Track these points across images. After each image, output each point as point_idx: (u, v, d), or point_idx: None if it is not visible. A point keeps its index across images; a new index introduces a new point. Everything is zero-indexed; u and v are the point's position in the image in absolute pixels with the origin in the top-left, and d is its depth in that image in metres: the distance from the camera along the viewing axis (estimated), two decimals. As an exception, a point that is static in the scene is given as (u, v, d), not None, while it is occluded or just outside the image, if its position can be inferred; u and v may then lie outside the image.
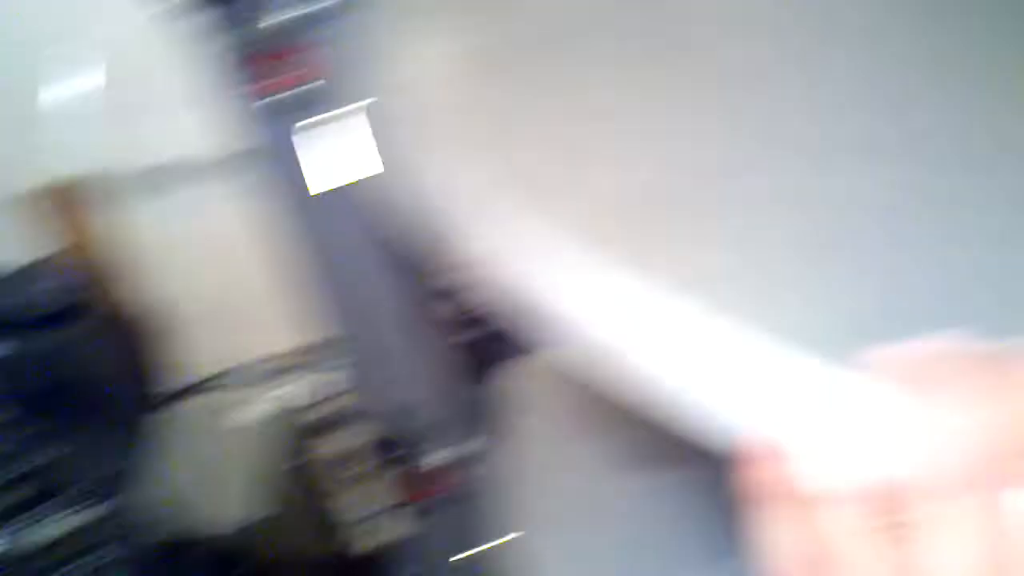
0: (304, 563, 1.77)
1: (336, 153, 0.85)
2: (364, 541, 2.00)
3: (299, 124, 0.85)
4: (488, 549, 1.00)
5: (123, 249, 1.67)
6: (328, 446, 1.88)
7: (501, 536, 0.99)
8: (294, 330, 1.74)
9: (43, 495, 1.00)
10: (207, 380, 1.77)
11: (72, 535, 0.95)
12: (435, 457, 0.98)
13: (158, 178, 1.63)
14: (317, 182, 0.85)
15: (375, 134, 0.78)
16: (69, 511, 0.96)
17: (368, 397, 0.99)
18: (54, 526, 0.96)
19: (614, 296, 0.37)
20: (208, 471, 1.51)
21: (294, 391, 1.72)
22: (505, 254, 0.43)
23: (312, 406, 1.75)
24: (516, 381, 1.03)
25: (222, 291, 1.72)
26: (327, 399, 1.75)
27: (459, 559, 1.05)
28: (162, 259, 1.69)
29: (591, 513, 0.84)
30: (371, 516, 1.93)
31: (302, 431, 1.80)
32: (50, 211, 1.56)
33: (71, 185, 1.47)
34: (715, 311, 0.34)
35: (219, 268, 1.70)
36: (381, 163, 0.82)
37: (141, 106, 1.59)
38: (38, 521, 0.96)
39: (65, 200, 1.49)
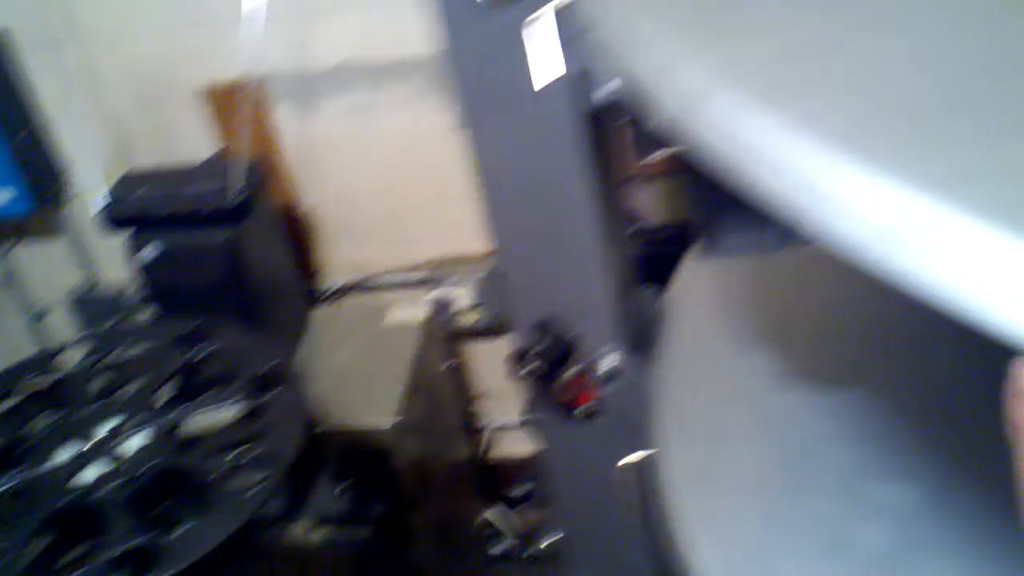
0: (446, 465, 1.83)
1: (553, 46, 0.84)
2: (505, 448, 2.05)
3: (527, 18, 0.84)
4: (634, 462, 1.02)
5: (297, 147, 1.72)
6: (478, 352, 1.93)
7: (648, 449, 1.00)
8: (459, 236, 1.78)
9: (210, 383, 1.05)
10: (368, 280, 1.82)
11: (235, 424, 1.01)
12: (586, 367, 0.99)
13: (339, 77, 1.66)
14: (540, 75, 0.84)
15: (586, 27, 0.77)
16: (232, 400, 1.01)
17: (525, 305, 1.00)
18: (218, 414, 1.02)
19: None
20: (363, 369, 1.56)
21: (451, 296, 1.75)
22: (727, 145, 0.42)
23: (467, 311, 1.78)
24: (678, 293, 1.02)
25: (392, 193, 1.75)
26: (481, 306, 1.79)
27: (602, 471, 1.06)
28: (336, 158, 1.73)
29: (751, 429, 0.84)
30: (515, 424, 1.98)
31: (455, 335, 1.84)
32: (229, 109, 1.61)
33: (250, 83, 1.52)
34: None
35: (391, 169, 1.73)
36: (591, 57, 0.81)
37: (329, 4, 1.61)
38: (204, 408, 1.01)
39: (243, 98, 1.54)
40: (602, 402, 1.03)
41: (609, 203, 0.94)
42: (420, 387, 1.61)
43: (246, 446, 0.97)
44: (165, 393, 1.06)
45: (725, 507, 0.79)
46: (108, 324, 1.76)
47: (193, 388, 1.07)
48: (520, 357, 0.97)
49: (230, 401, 1.01)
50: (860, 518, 0.73)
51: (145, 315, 1.85)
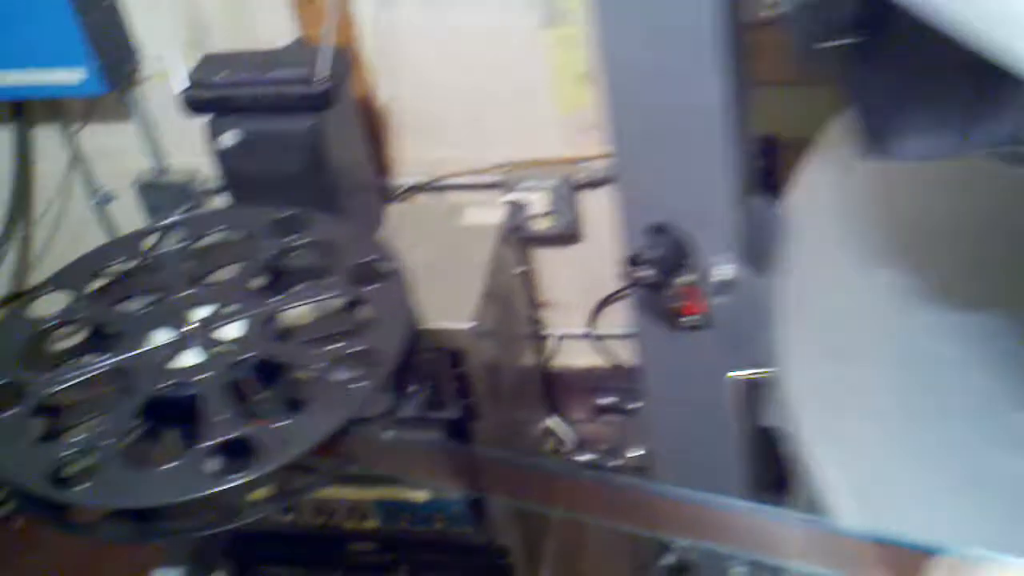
0: (515, 372, 1.81)
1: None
2: (567, 358, 2.03)
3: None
4: (746, 377, 0.99)
5: (376, 38, 1.66)
6: (546, 259, 1.89)
7: (763, 364, 0.97)
8: (535, 139, 1.74)
9: (305, 274, 1.03)
10: (441, 179, 1.78)
11: (334, 316, 0.98)
12: (699, 276, 0.96)
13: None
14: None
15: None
16: (331, 291, 0.98)
17: (639, 209, 0.96)
18: (316, 305, 0.99)
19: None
20: (440, 269, 1.53)
21: (525, 200, 1.71)
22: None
23: (540, 217, 1.74)
24: (797, 203, 0.98)
25: (470, 91, 1.70)
26: (554, 212, 1.75)
27: (704, 385, 1.04)
28: (414, 52, 1.67)
29: (878, 349, 0.80)
30: (579, 335, 1.95)
31: (527, 241, 1.81)
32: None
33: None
34: None
35: (470, 66, 1.68)
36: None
37: None
38: (303, 298, 0.99)
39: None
40: (711, 313, 0.99)
41: (740, 105, 0.89)
42: (495, 291, 1.58)
43: (347, 340, 0.94)
44: (259, 281, 1.02)
45: (853, 430, 0.76)
46: (184, 209, 1.74)
47: (288, 278, 1.04)
48: (632, 263, 0.93)
49: (329, 292, 0.98)
50: (1000, 448, 0.70)
51: (216, 203, 1.83)
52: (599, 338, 1.94)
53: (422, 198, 1.81)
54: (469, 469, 1.08)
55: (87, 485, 0.86)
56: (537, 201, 1.73)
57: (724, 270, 0.95)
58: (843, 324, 0.85)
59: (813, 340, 0.85)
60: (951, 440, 0.73)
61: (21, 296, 2.11)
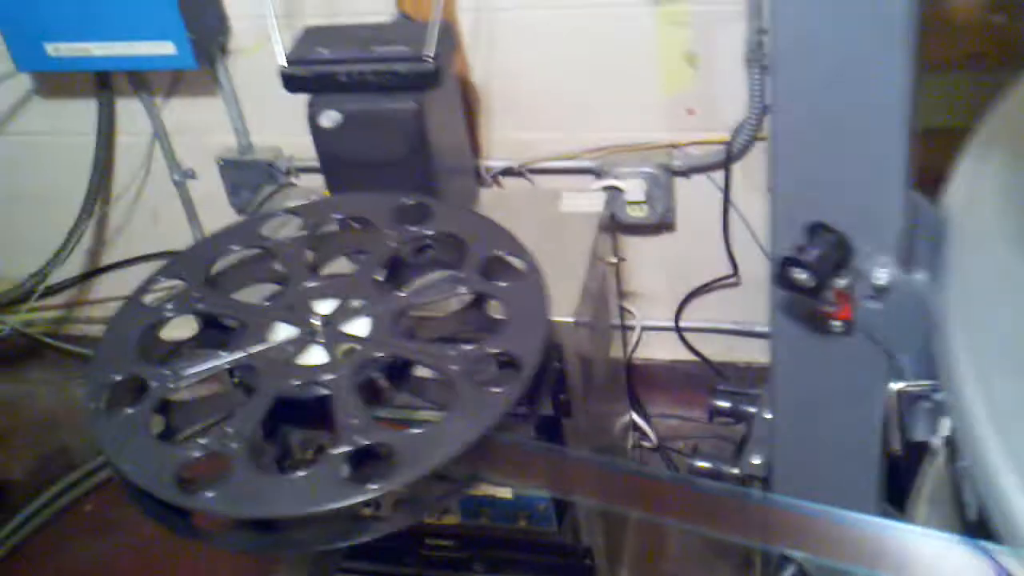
0: (605, 364, 1.76)
1: None
2: (649, 350, 1.98)
3: None
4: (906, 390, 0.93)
5: (474, 14, 1.61)
6: (633, 249, 1.84)
7: (915, 378, 0.92)
8: (630, 124, 1.68)
9: (433, 266, 0.98)
10: (534, 162, 1.73)
11: (466, 313, 0.94)
12: (855, 279, 0.90)
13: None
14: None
15: None
16: (464, 285, 0.94)
17: (797, 206, 0.90)
18: (448, 300, 0.95)
19: None
20: (541, 257, 1.48)
21: (621, 186, 1.66)
22: None
23: (634, 205, 1.69)
24: (957, 201, 0.92)
25: (565, 72, 1.64)
26: (649, 201, 1.69)
27: (844, 392, 0.98)
28: (511, 30, 1.62)
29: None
30: (664, 327, 1.90)
31: (620, 229, 1.75)
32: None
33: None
34: None
35: (565, 46, 1.62)
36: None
37: None
38: (436, 292, 0.94)
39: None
40: (863, 319, 0.94)
41: (916, 96, 0.83)
42: (591, 282, 1.53)
43: (481, 340, 0.89)
44: (382, 273, 0.98)
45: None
46: (274, 189, 1.70)
47: (410, 270, 0.99)
48: (790, 264, 0.88)
49: (462, 287, 0.93)
50: None
51: (304, 184, 1.79)
52: (684, 331, 1.90)
53: (511, 182, 1.75)
54: (595, 480, 1.03)
55: (215, 491, 0.82)
56: (633, 188, 1.67)
57: (882, 274, 0.89)
58: (1022, 334, 0.79)
59: (988, 352, 0.79)
60: None
61: (95, 273, 2.08)
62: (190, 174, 1.89)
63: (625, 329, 1.93)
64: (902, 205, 0.87)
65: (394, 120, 1.35)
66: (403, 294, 0.95)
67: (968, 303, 0.84)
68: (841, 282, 0.91)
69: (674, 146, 1.68)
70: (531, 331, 0.89)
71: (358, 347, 0.90)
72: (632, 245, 1.82)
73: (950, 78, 1.12)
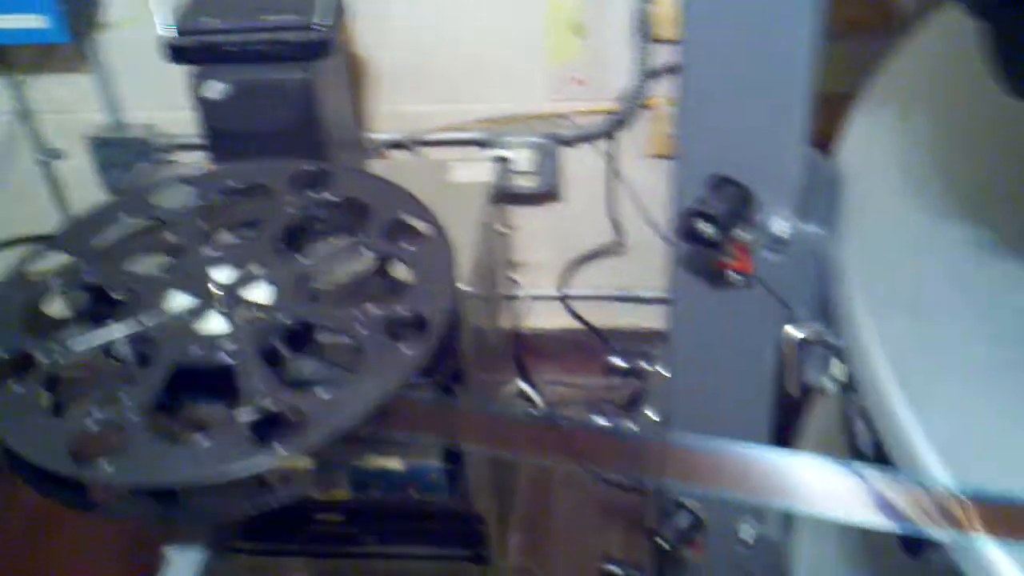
0: (494, 334, 1.76)
1: None
2: (536, 320, 1.99)
3: None
4: (799, 335, 0.96)
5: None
6: (519, 218, 1.85)
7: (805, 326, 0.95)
8: (518, 95, 1.68)
9: (333, 231, 0.97)
10: (422, 134, 1.71)
11: (371, 276, 0.92)
12: (755, 232, 0.92)
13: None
14: None
15: None
16: (367, 249, 0.92)
17: (700, 160, 0.91)
18: (349, 264, 0.93)
19: None
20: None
21: (509, 157, 1.66)
22: None
23: (522, 175, 1.69)
24: (850, 153, 0.95)
25: (452, 44, 1.64)
26: (536, 171, 1.70)
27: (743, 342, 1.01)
28: (407, 6, 1.60)
29: (956, 304, 0.78)
30: (550, 296, 1.92)
31: (510, 200, 1.76)
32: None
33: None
34: None
35: (452, 18, 1.61)
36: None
37: None
38: (336, 256, 0.92)
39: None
40: (761, 271, 0.96)
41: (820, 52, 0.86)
42: (483, 251, 1.53)
43: (386, 303, 0.88)
44: (285, 240, 0.96)
45: (934, 384, 0.73)
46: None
47: (311, 236, 0.97)
48: (692, 216, 0.89)
49: (366, 251, 0.92)
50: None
51: (183, 160, 1.73)
52: (570, 299, 1.91)
53: (400, 154, 1.74)
54: (495, 429, 1.03)
55: (113, 462, 0.79)
56: (520, 158, 1.68)
57: (782, 226, 0.91)
58: (915, 279, 0.83)
59: (885, 297, 0.82)
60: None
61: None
62: (56, 154, 1.81)
63: (512, 299, 1.94)
64: (802, 160, 0.90)
65: (283, 90, 1.33)
66: (305, 260, 0.93)
67: (864, 252, 0.87)
68: (743, 235, 0.93)
69: (561, 116, 1.69)
70: (438, 291, 0.89)
71: (261, 314, 0.88)
72: (519, 215, 1.83)
73: (834, 46, 1.16)
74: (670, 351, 1.11)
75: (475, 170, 1.59)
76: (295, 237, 0.97)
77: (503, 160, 1.66)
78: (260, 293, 0.90)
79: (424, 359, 0.83)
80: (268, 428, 0.81)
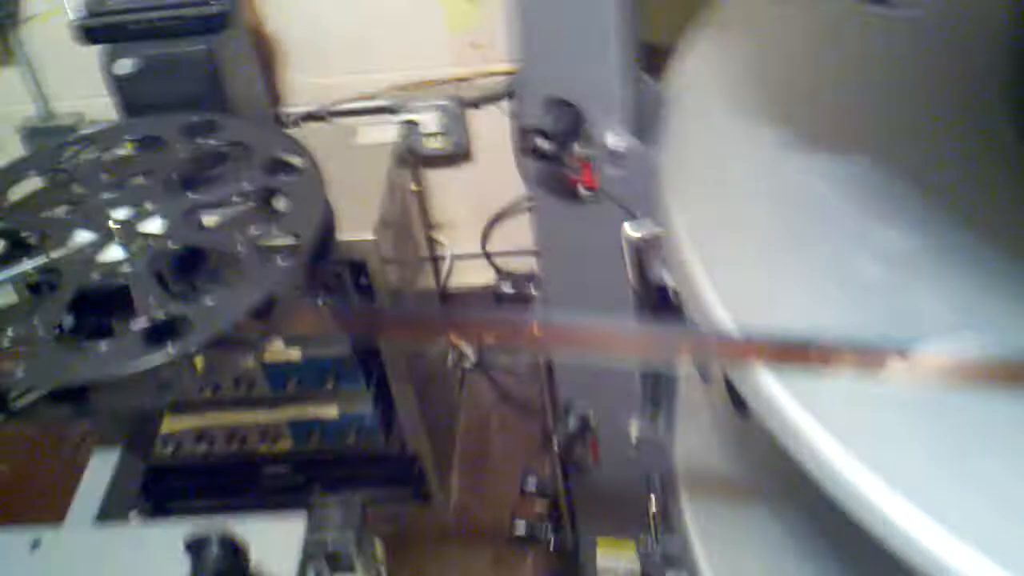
0: (415, 292, 1.88)
1: None
2: (463, 278, 2.11)
3: None
4: (636, 236, 1.07)
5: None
6: (439, 181, 1.96)
7: (645, 226, 1.06)
8: (423, 61, 1.80)
9: (224, 171, 1.08)
10: (334, 105, 1.83)
11: (254, 204, 1.03)
12: (592, 148, 1.04)
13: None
14: None
15: None
16: (248, 183, 1.04)
17: (535, 85, 1.03)
18: (235, 195, 1.04)
19: None
20: (339, 186, 1.58)
21: (417, 120, 1.78)
22: None
23: (431, 137, 1.81)
24: (679, 76, 1.07)
25: (358, 16, 1.75)
26: (445, 133, 1.82)
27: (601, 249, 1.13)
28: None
29: (756, 191, 0.89)
30: (474, 254, 2.03)
31: (420, 161, 1.87)
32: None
33: None
34: None
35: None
36: None
37: None
38: (222, 188, 1.04)
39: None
40: (605, 185, 1.08)
41: None
42: (392, 210, 1.65)
43: (266, 227, 1.00)
44: (180, 181, 1.07)
45: (736, 252, 0.85)
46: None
47: (206, 176, 1.08)
48: (528, 134, 1.01)
49: (245, 184, 1.03)
50: (862, 258, 0.80)
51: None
52: (492, 256, 2.03)
53: (316, 126, 1.85)
54: (374, 322, 1.14)
55: (26, 370, 0.90)
56: (428, 121, 1.79)
57: (616, 141, 1.03)
58: (724, 173, 0.94)
59: (698, 189, 0.93)
60: (823, 256, 0.82)
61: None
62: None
63: (437, 259, 2.05)
64: (627, 82, 1.02)
65: (187, 63, 1.44)
66: (194, 195, 1.04)
67: (681, 155, 0.99)
68: (580, 149, 1.05)
69: (463, 79, 1.80)
70: (310, 212, 1.00)
71: (152, 243, 0.99)
72: (435, 177, 1.95)
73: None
74: (540, 267, 1.23)
75: (380, 131, 1.71)
76: (190, 178, 1.08)
77: (411, 123, 1.78)
78: (154, 226, 1.02)
79: (296, 267, 0.94)
80: (161, 334, 0.92)
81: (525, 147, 1.01)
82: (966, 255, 0.76)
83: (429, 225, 2.01)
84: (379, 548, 0.96)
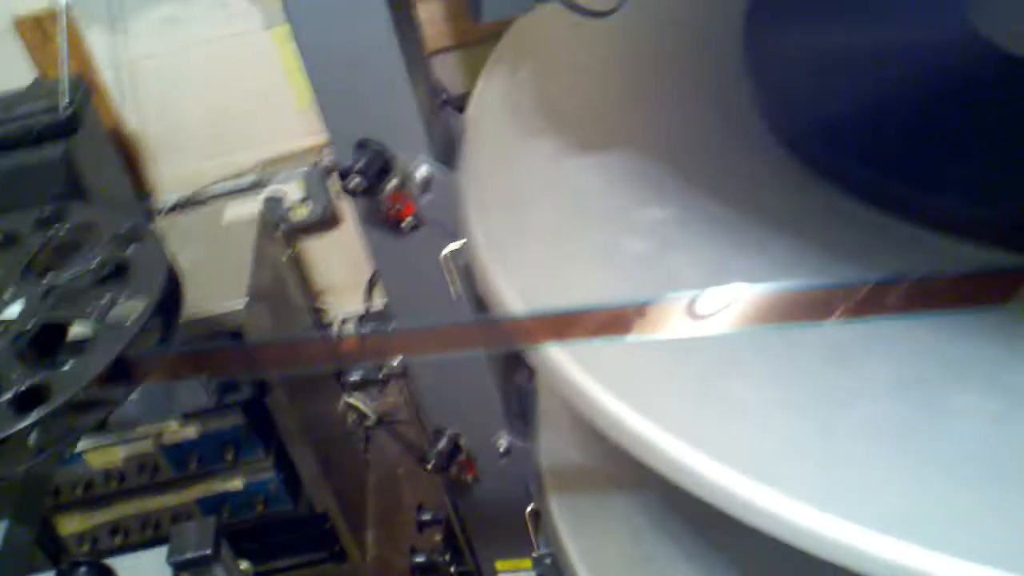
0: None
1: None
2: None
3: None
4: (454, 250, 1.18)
5: (114, 69, 1.80)
6: (316, 249, 2.06)
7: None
8: (282, 136, 1.91)
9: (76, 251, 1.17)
10: (201, 192, 1.92)
11: (103, 274, 1.12)
12: (404, 180, 1.15)
13: None
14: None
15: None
16: (97, 256, 1.13)
17: (345, 130, 1.15)
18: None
19: None
20: (209, 264, 1.68)
21: (281, 192, 1.88)
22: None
23: (297, 206, 1.91)
24: (476, 109, 1.18)
25: (212, 103, 1.86)
26: (309, 199, 1.92)
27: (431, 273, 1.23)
28: (153, 75, 1.82)
29: (537, 194, 1.00)
30: (360, 314, 2.12)
31: (291, 231, 1.97)
32: (42, 37, 1.69)
33: (60, 10, 1.60)
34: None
35: (208, 80, 1.83)
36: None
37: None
38: (73, 266, 1.13)
39: (56, 24, 1.61)
40: (422, 211, 1.19)
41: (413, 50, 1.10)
42: (265, 274, 1.74)
43: (118, 291, 1.09)
44: (38, 268, 1.16)
45: (525, 249, 0.96)
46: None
47: (61, 260, 1.18)
48: (344, 175, 1.12)
49: (95, 257, 1.13)
50: (625, 235, 0.92)
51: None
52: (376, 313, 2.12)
53: (186, 212, 1.94)
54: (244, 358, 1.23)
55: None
56: (292, 191, 1.90)
57: (424, 170, 1.15)
58: (512, 183, 1.06)
59: (492, 200, 1.05)
60: (595, 239, 0.93)
61: None
62: None
63: (326, 326, 2.15)
64: (426, 121, 1.14)
65: (45, 169, 1.53)
66: (47, 279, 1.13)
67: (476, 172, 1.10)
68: (392, 182, 1.16)
69: (321, 147, 1.92)
70: (154, 274, 1.10)
71: (12, 327, 1.08)
72: (311, 244, 2.05)
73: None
74: (386, 296, 1.33)
75: (245, 206, 1.81)
76: (48, 264, 1.17)
77: (272, 196, 1.88)
78: (12, 312, 1.11)
79: (142, 325, 1.04)
80: (25, 402, 1.00)
81: (344, 188, 1.12)
82: (715, 224, 0.88)
83: (314, 292, 2.10)
84: (244, 564, 1.04)
